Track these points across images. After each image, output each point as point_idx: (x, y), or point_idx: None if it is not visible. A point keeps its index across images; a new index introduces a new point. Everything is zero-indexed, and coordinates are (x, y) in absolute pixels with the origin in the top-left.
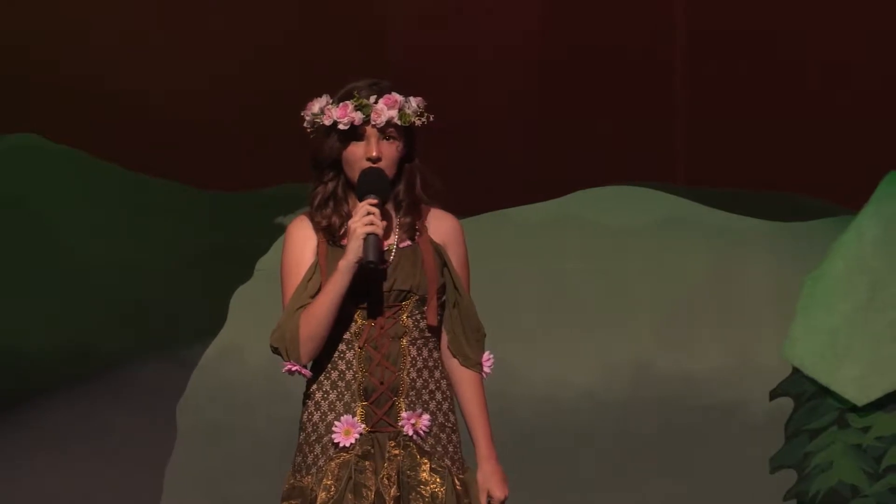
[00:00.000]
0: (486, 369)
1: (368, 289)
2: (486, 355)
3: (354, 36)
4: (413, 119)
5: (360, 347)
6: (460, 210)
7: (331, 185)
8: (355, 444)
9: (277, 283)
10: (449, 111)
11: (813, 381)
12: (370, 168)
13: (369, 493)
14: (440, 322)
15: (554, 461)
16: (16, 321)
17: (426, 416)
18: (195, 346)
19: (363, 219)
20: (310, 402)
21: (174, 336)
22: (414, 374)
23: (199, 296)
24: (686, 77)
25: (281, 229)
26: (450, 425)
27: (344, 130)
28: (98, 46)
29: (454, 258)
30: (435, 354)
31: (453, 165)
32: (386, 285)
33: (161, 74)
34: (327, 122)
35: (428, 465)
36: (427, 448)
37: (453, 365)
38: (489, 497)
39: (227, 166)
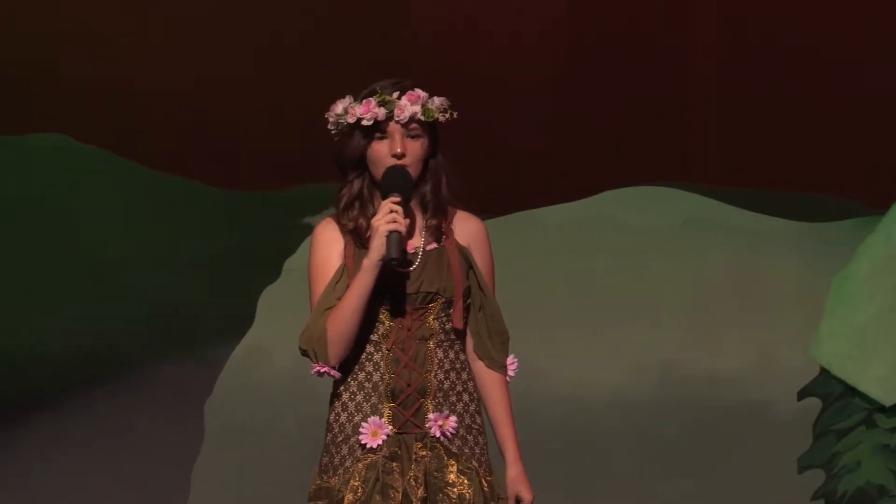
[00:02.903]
0: (510, 372)
1: (395, 291)
2: (510, 358)
3: (376, 36)
4: (437, 115)
5: (387, 349)
6: (486, 210)
7: (356, 186)
8: (382, 445)
9: (305, 284)
10: (474, 113)
11: (840, 382)
12: (394, 166)
13: (396, 494)
14: (465, 324)
15: (579, 461)
16: (41, 322)
17: (453, 418)
18: (222, 346)
19: (386, 217)
20: (337, 403)
21: (201, 336)
22: (441, 376)
23: (226, 296)
24: (712, 77)
25: (308, 229)
26: (477, 427)
27: (368, 128)
28: (123, 47)
29: (479, 260)
30: (462, 356)
31: (480, 166)
32: (413, 287)
33: (187, 74)
34: (351, 120)
35: (455, 467)
36: (454, 449)
37: (478, 367)
38: (518, 500)
39: (253, 166)
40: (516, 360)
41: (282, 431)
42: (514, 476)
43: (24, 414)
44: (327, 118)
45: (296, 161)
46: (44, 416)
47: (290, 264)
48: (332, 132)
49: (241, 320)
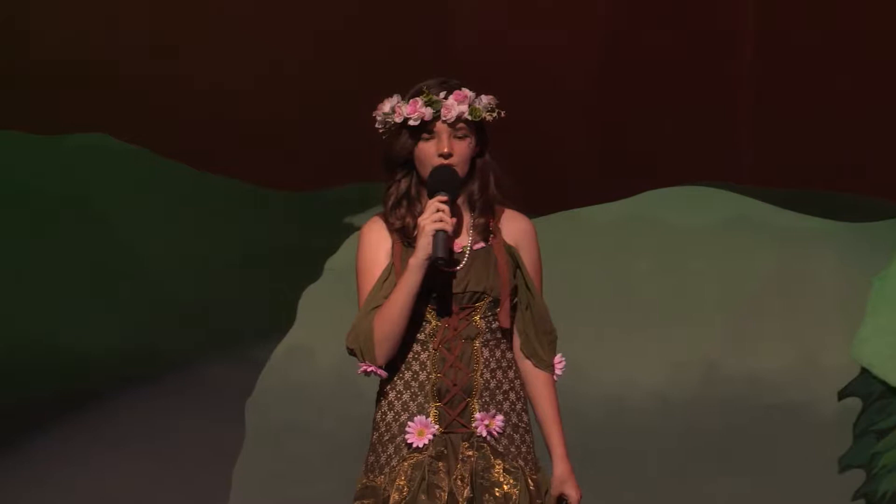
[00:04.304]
0: (557, 371)
1: (442, 290)
2: (557, 357)
3: (418, 36)
4: (484, 114)
5: (434, 349)
6: (530, 209)
7: (403, 185)
8: (428, 444)
9: (347, 283)
10: (517, 112)
11: (881, 382)
12: (440, 165)
13: (442, 493)
14: (512, 323)
15: (621, 460)
16: (80, 321)
17: (500, 417)
18: (263, 346)
19: (432, 216)
20: (383, 402)
21: (242, 336)
22: (487, 375)
23: (266, 295)
24: (753, 77)
25: (350, 229)
26: (523, 426)
27: (415, 127)
28: (161, 46)
29: (527, 260)
30: (508, 355)
31: (523, 165)
32: (459, 287)
33: (227, 73)
34: (398, 120)
35: (501, 466)
36: (500, 449)
37: (526, 366)
38: (565, 498)
39: (295, 165)
40: (563, 359)
41: (323, 431)
42: (561, 474)
43: (66, 414)
44: (374, 117)
45: (337, 160)
46: (85, 415)
47: (331, 264)
48: (380, 131)
49: (282, 320)
